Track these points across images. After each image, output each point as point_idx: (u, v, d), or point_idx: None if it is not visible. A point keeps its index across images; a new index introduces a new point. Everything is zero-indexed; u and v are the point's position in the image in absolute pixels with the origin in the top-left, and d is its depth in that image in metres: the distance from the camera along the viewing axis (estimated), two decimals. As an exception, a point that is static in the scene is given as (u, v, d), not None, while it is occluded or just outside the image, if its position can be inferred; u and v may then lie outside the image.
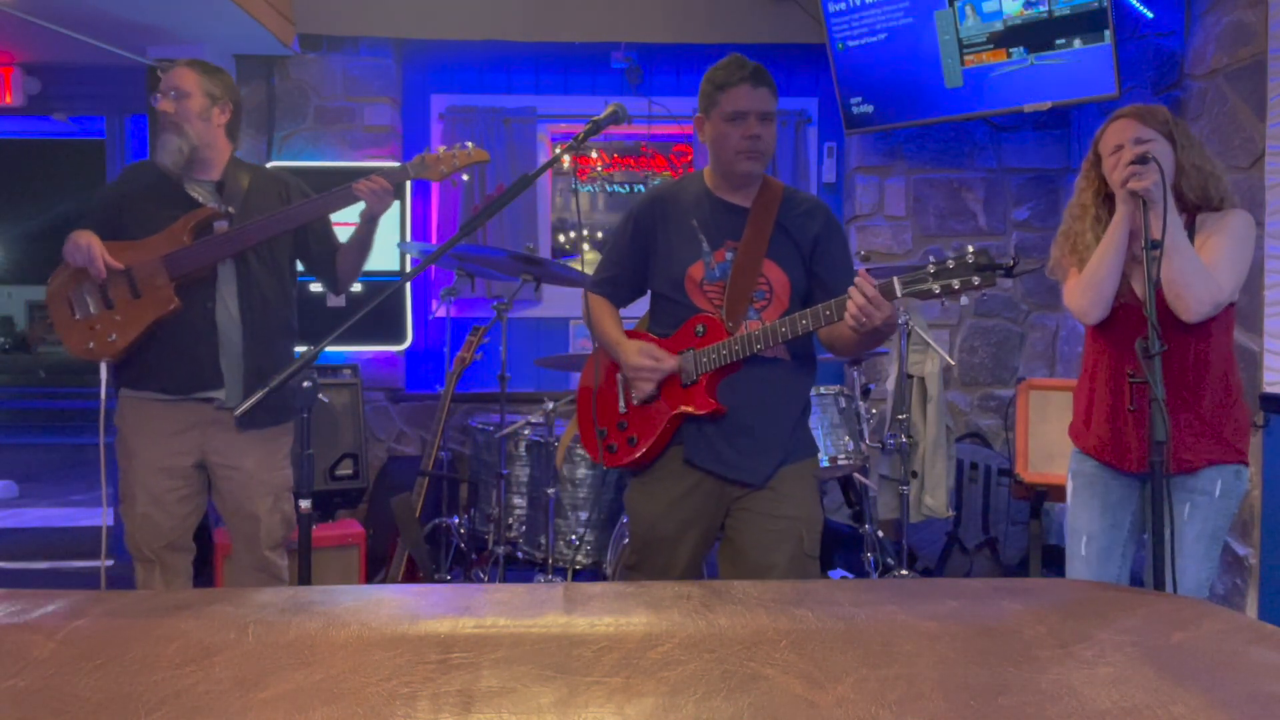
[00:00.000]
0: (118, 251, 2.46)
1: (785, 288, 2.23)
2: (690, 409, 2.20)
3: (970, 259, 1.90)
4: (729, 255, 2.22)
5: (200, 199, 2.57)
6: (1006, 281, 4.67)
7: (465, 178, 2.71)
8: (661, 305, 2.32)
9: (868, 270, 2.11)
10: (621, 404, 2.32)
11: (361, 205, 2.58)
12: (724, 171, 2.25)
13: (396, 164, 4.51)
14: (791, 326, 2.10)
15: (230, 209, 2.56)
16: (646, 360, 2.21)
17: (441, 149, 2.61)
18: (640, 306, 2.46)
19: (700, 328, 2.22)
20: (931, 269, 1.93)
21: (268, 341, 2.60)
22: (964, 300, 1.93)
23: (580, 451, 3.57)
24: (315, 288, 2.82)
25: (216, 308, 2.55)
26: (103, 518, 2.64)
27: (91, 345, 2.49)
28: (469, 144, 2.62)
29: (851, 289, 1.96)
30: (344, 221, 2.70)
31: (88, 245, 2.42)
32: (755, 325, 2.16)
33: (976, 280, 1.89)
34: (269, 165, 4.45)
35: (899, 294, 1.95)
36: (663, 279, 2.29)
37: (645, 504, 2.29)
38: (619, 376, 2.33)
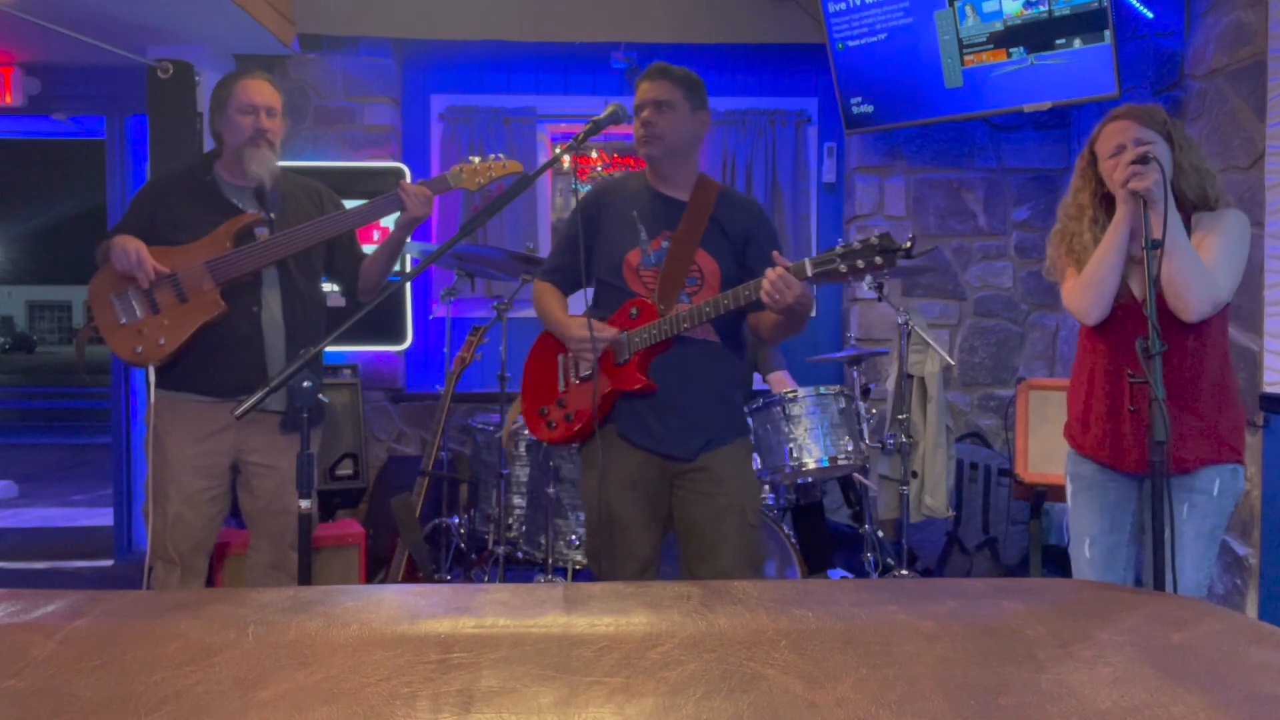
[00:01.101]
0: (160, 257, 2.50)
1: (716, 275, 2.37)
2: (621, 386, 2.34)
3: (874, 242, 2.08)
4: (665, 244, 2.38)
5: (241, 205, 2.61)
6: (1006, 281, 4.67)
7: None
8: (602, 290, 2.46)
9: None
10: (561, 383, 2.48)
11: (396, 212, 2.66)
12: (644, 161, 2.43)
13: (396, 164, 4.55)
14: (715, 306, 2.25)
15: (272, 215, 2.60)
16: (587, 332, 2.34)
17: (476, 159, 2.68)
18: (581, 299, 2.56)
19: (634, 310, 2.36)
20: (839, 251, 2.11)
21: (308, 344, 2.63)
22: (868, 279, 2.12)
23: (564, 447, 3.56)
24: (330, 288, 2.85)
25: (262, 312, 2.59)
26: (146, 514, 2.65)
27: (140, 349, 2.51)
28: (502, 155, 2.70)
29: (767, 269, 2.12)
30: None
31: (135, 251, 2.45)
32: (685, 308, 2.31)
33: (879, 260, 2.07)
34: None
35: (809, 273, 2.12)
36: (603, 265, 2.44)
37: (595, 486, 2.39)
38: (560, 358, 2.48)
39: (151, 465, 2.60)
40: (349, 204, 2.81)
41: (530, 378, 2.57)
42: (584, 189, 5.00)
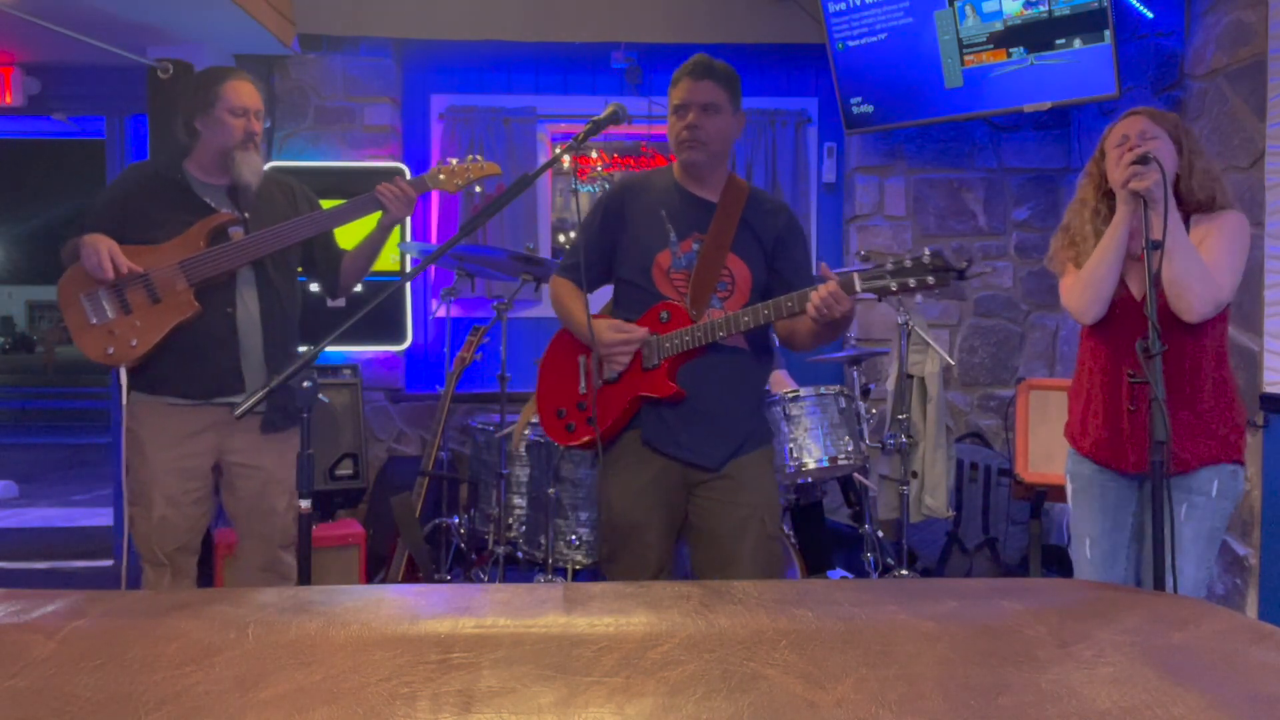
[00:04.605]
0: (131, 256, 2.45)
1: (747, 280, 2.32)
2: (650, 393, 2.28)
3: (926, 260, 2.02)
4: (695, 246, 2.31)
5: (214, 204, 2.57)
6: (1006, 281, 4.67)
7: (479, 189, 2.77)
8: (627, 291, 2.39)
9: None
10: (582, 385, 2.39)
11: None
12: (679, 163, 2.37)
13: (396, 164, 4.55)
14: (754, 316, 2.19)
15: (247, 214, 2.56)
16: (619, 335, 2.28)
17: (454, 161, 2.65)
18: (603, 295, 2.50)
19: (664, 314, 2.29)
20: (890, 267, 2.06)
21: (285, 344, 2.63)
22: (919, 299, 2.04)
23: (579, 451, 3.56)
24: (315, 287, 2.84)
25: (237, 312, 2.55)
26: (125, 517, 2.62)
27: (111, 350, 2.47)
28: (479, 156, 2.67)
29: (819, 284, 2.09)
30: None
31: (107, 249, 2.41)
32: (718, 314, 2.25)
33: (931, 280, 2.02)
34: (268, 166, 4.47)
35: (859, 289, 2.07)
36: (630, 265, 2.35)
37: (613, 492, 2.35)
38: (580, 359, 2.41)
39: (132, 469, 2.56)
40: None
41: (547, 378, 2.49)
42: (584, 189, 5.00)
